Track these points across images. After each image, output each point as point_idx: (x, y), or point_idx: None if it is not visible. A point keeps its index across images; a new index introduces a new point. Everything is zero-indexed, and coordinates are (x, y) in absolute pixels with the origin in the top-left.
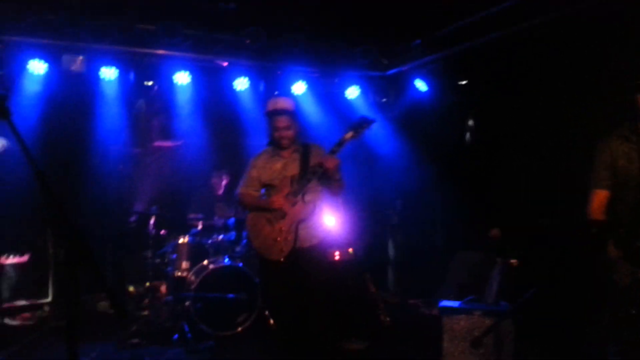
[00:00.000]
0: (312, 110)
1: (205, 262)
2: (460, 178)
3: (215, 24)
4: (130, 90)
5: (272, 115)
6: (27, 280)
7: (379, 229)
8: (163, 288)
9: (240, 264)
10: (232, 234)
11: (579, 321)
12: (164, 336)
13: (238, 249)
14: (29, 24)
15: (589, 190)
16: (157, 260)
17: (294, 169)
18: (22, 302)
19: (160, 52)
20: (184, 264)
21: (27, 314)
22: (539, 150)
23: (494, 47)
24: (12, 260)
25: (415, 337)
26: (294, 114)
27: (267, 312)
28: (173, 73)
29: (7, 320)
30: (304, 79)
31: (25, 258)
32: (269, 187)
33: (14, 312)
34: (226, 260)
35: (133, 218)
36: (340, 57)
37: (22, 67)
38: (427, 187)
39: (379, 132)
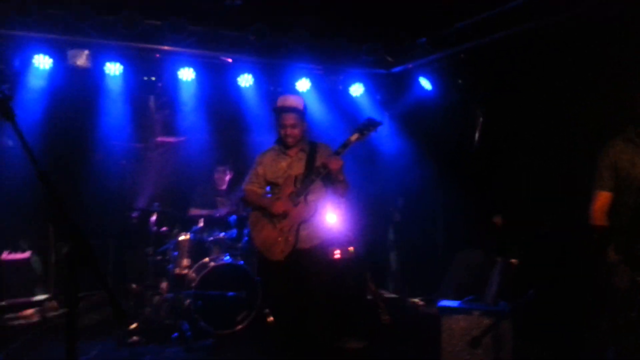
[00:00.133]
0: (315, 107)
1: (206, 259)
2: (463, 177)
3: (219, 20)
4: (135, 86)
5: (281, 112)
6: (28, 277)
7: (380, 227)
8: (164, 285)
9: (241, 262)
10: (234, 232)
11: (578, 322)
12: (163, 334)
13: (239, 246)
14: (34, 19)
15: (592, 191)
16: (159, 257)
17: (299, 168)
18: (22, 299)
19: (165, 47)
20: (185, 262)
21: (29, 311)
22: (541, 150)
23: (499, 46)
24: (13, 256)
25: (414, 336)
26: (303, 113)
27: (266, 311)
28: (177, 69)
29: (8, 317)
30: (308, 76)
31: (26, 255)
32: (273, 185)
33: (15, 309)
34: (227, 258)
35: (135, 214)
36: (345, 54)
37: (27, 62)
38: (429, 186)
39: (382, 130)
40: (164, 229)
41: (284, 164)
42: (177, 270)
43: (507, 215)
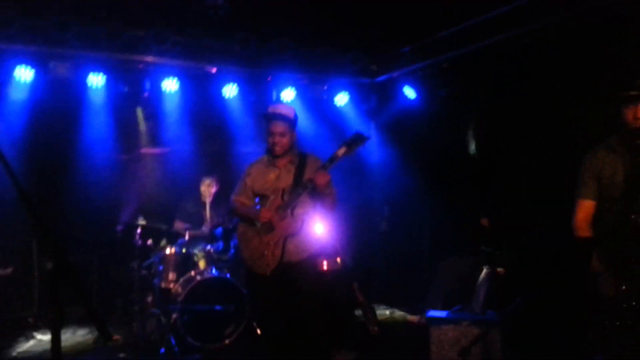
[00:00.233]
0: (301, 117)
1: (192, 273)
2: (448, 184)
3: (204, 30)
4: (118, 97)
5: (270, 119)
6: (12, 293)
7: (367, 237)
8: (149, 300)
9: (228, 275)
10: (220, 244)
11: (566, 330)
12: (150, 350)
13: (226, 259)
14: (16, 30)
15: (575, 200)
16: (144, 272)
17: (287, 180)
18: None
19: (149, 58)
20: (171, 276)
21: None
22: (528, 158)
23: (481, 55)
24: None
25: (404, 346)
26: (293, 123)
27: (254, 324)
28: (161, 79)
29: None
30: (293, 85)
31: (9, 270)
32: (261, 196)
33: None
34: (214, 271)
35: (119, 228)
36: (329, 63)
37: (8, 74)
38: (415, 194)
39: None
40: (149, 242)
41: (272, 175)
42: (163, 285)
43: (494, 221)
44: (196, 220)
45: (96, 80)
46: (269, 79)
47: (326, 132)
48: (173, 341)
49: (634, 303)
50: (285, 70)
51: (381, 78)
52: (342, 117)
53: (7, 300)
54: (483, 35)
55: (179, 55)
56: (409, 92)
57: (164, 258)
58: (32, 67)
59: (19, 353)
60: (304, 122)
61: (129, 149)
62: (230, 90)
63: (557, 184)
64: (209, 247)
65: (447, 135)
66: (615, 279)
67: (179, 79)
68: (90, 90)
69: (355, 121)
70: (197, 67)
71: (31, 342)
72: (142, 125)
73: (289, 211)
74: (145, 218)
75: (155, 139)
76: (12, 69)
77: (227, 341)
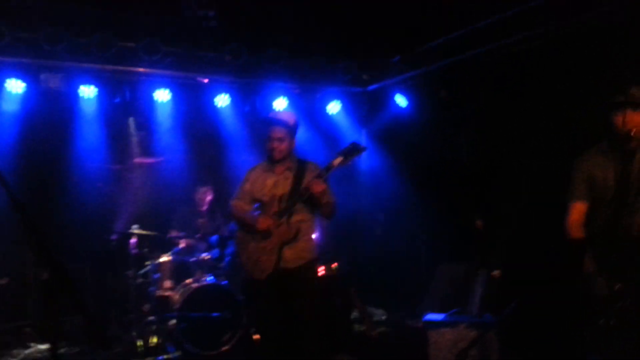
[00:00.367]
0: None
1: (189, 280)
2: (442, 190)
3: (195, 41)
4: (110, 108)
5: (269, 123)
6: (7, 303)
7: (363, 242)
8: (146, 308)
9: (224, 282)
10: (216, 252)
11: (563, 331)
12: (148, 357)
13: (221, 266)
14: (6, 43)
15: (567, 203)
16: (140, 280)
17: (284, 187)
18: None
19: (141, 69)
20: (167, 283)
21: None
22: (521, 162)
23: (472, 63)
24: None
25: (401, 350)
26: (292, 129)
27: (252, 330)
28: (153, 90)
29: None
30: (285, 94)
31: (4, 281)
32: (259, 202)
33: None
34: (210, 278)
35: (114, 237)
36: (321, 73)
37: None
38: (409, 200)
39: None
40: (145, 250)
41: (269, 181)
42: (159, 293)
43: (489, 223)
44: (191, 228)
45: (88, 92)
46: (261, 88)
47: (319, 140)
48: (171, 349)
49: (627, 303)
50: (277, 80)
51: (373, 87)
52: (335, 125)
53: (2, 310)
54: (472, 44)
55: (171, 66)
56: (401, 100)
57: (159, 266)
58: (23, 80)
59: None
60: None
61: (122, 159)
62: (222, 100)
63: (551, 186)
64: (204, 254)
65: (439, 142)
66: (608, 279)
67: (171, 89)
68: (82, 101)
69: (347, 129)
70: (189, 77)
71: (27, 352)
72: (134, 136)
73: (285, 218)
74: (140, 227)
75: (149, 149)
76: (2, 81)
77: (224, 348)
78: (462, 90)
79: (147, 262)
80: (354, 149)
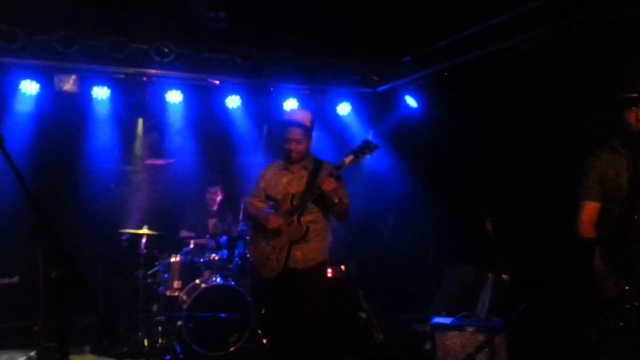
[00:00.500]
0: None
1: (197, 281)
2: (452, 192)
3: (206, 43)
4: (122, 109)
5: (286, 125)
6: (17, 302)
7: (371, 244)
8: (155, 308)
9: (233, 283)
10: (224, 253)
11: (572, 334)
12: (155, 357)
13: (230, 267)
14: (21, 45)
15: (580, 202)
16: (149, 280)
17: (298, 186)
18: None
19: (152, 71)
20: (176, 284)
21: None
22: (531, 163)
23: (483, 63)
24: (1, 281)
25: (408, 353)
26: (309, 129)
27: (259, 332)
28: (165, 92)
29: None
30: (295, 96)
31: (15, 279)
32: (272, 200)
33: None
34: (218, 279)
35: (124, 237)
36: (331, 74)
37: (14, 88)
38: (418, 202)
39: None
40: (154, 251)
41: (284, 180)
42: (168, 293)
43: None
44: (201, 229)
45: (100, 93)
46: (271, 89)
47: (329, 141)
48: (178, 349)
49: (637, 304)
50: (287, 81)
51: (382, 88)
52: (345, 126)
53: (12, 308)
54: (482, 44)
55: (182, 68)
56: (411, 101)
57: (168, 266)
58: (37, 81)
59: None
60: None
61: (133, 160)
62: (233, 102)
63: (562, 188)
64: (213, 255)
65: (449, 143)
66: (619, 280)
67: (182, 91)
68: (95, 102)
69: (357, 130)
70: (200, 79)
71: (37, 350)
72: (143, 138)
73: (295, 217)
74: (150, 228)
75: (160, 150)
76: (17, 83)
77: (232, 349)
78: (473, 90)
79: (157, 262)
80: (365, 147)
